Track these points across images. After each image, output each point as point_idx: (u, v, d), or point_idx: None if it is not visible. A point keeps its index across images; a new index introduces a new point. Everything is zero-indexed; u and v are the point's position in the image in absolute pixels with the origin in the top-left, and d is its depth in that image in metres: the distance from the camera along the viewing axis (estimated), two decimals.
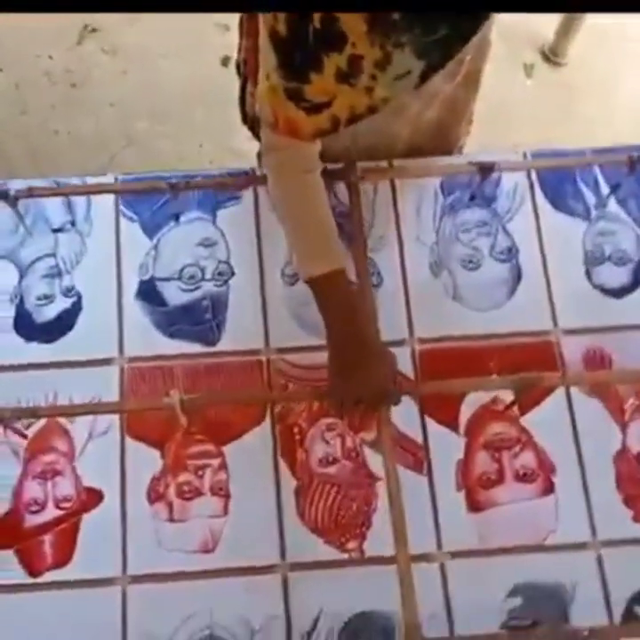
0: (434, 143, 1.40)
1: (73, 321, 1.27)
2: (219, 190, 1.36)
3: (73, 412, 1.20)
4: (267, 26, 1.01)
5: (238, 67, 1.37)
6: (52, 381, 1.22)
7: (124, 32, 2.53)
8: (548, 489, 1.20)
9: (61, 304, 1.29)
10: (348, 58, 1.02)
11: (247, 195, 1.36)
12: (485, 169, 1.27)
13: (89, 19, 2.55)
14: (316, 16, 0.96)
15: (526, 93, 2.35)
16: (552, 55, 2.48)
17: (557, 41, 2.46)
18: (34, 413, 1.17)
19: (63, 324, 1.27)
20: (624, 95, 2.35)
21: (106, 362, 1.24)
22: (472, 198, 1.38)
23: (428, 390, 1.21)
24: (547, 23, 2.47)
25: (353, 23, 0.99)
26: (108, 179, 1.36)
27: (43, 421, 1.21)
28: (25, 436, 1.21)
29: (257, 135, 1.39)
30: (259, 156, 1.49)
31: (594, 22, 2.41)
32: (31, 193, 1.25)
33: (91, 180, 1.36)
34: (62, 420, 1.21)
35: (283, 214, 1.19)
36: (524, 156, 1.40)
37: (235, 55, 1.37)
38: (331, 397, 1.14)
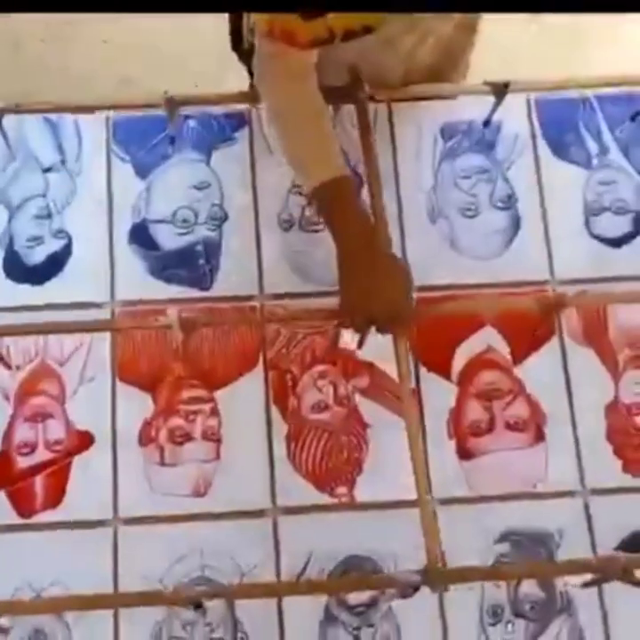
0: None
1: (63, 263, 1.26)
2: (217, 108, 1.33)
3: (64, 329, 1.18)
4: None
5: None
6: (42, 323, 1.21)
7: None
8: (539, 438, 1.20)
9: (51, 246, 1.27)
10: None
11: (242, 136, 1.34)
12: (499, 92, 1.25)
13: None
14: None
15: (530, 37, 2.30)
16: None
17: None
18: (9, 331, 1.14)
19: (53, 266, 1.25)
20: (630, 41, 2.29)
21: (97, 305, 1.23)
22: (486, 124, 1.34)
23: (441, 311, 1.19)
24: None
25: None
26: (99, 117, 1.33)
27: (33, 363, 1.20)
28: (10, 367, 1.20)
29: (249, 65, 1.35)
30: (251, 87, 1.46)
31: None
32: (18, 109, 1.22)
33: (82, 117, 1.33)
34: (53, 363, 1.21)
35: (280, 124, 1.16)
36: (527, 102, 1.37)
37: None
38: (342, 314, 1.10)
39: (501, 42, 1.28)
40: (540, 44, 2.27)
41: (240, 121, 1.34)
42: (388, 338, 1.10)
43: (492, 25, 1.30)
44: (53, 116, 1.33)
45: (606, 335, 1.24)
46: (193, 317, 1.10)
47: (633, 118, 1.36)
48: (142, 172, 1.31)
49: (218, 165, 1.32)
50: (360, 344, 1.14)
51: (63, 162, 1.31)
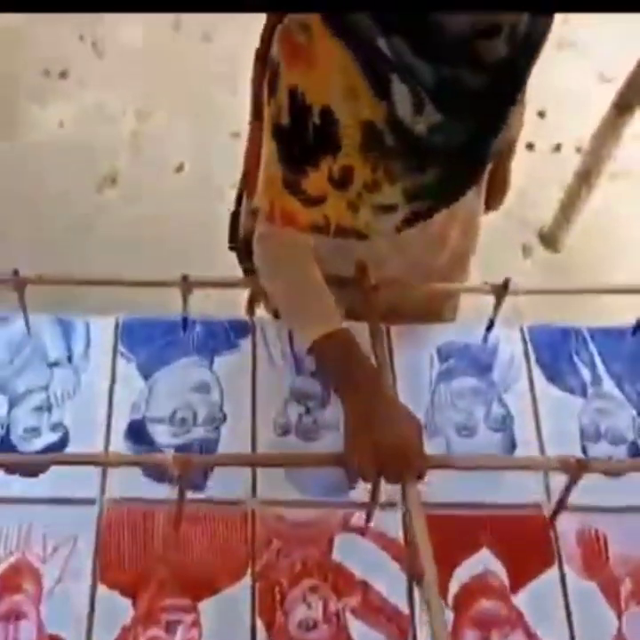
0: (423, 309, 1.43)
1: None
2: (226, 288, 1.40)
3: (62, 461, 1.17)
4: (271, 119, 1.07)
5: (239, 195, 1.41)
6: (29, 516, 1.17)
7: (142, 184, 2.67)
8: None
9: (48, 438, 1.26)
10: (340, 167, 1.07)
11: (245, 344, 1.37)
12: (499, 292, 1.32)
13: (109, 169, 2.70)
14: (317, 111, 1.02)
15: (525, 273, 2.43)
16: (550, 241, 2.59)
17: (556, 226, 2.58)
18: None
19: None
20: (621, 279, 2.43)
21: (86, 501, 1.20)
22: (489, 328, 1.39)
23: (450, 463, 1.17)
24: (545, 208, 2.60)
25: (350, 130, 1.05)
26: (109, 319, 1.38)
27: (13, 558, 1.15)
28: None
29: (241, 259, 1.43)
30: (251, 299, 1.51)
31: (589, 215, 2.54)
32: (41, 280, 1.29)
33: (93, 319, 1.38)
34: (34, 560, 1.15)
35: (280, 296, 1.20)
36: (521, 330, 1.42)
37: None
38: (347, 459, 1.06)
39: (496, 273, 1.36)
40: (533, 278, 2.40)
41: (244, 329, 1.39)
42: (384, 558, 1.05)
43: (487, 257, 1.39)
44: (65, 316, 1.38)
45: (607, 565, 1.20)
46: (188, 458, 1.07)
47: (634, 332, 1.42)
48: (146, 372, 1.34)
49: (220, 370, 1.35)
50: (369, 517, 1.08)
51: (70, 358, 1.34)
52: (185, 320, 1.37)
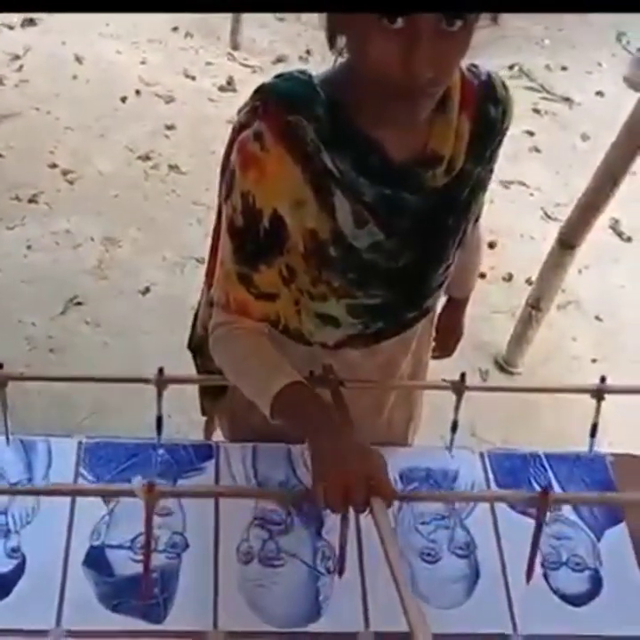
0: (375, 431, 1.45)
1: (13, 585, 1.20)
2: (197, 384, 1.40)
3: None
4: (227, 219, 1.13)
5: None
6: None
7: (108, 306, 2.70)
8: None
9: (3, 566, 1.22)
10: (286, 265, 1.13)
11: (209, 467, 1.37)
12: (459, 389, 1.37)
13: (75, 291, 2.73)
14: (267, 215, 1.09)
15: (482, 396, 2.47)
16: (505, 364, 2.66)
17: (510, 351, 2.65)
18: None
19: (3, 586, 1.19)
20: (576, 403, 2.48)
21: (41, 633, 1.15)
22: (454, 428, 1.40)
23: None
24: (500, 333, 2.68)
25: (295, 240, 1.11)
26: (72, 442, 1.37)
27: None
28: None
29: (196, 360, 1.47)
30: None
31: (544, 336, 2.63)
32: (22, 377, 1.31)
33: (54, 440, 1.37)
34: None
35: (237, 370, 1.21)
36: (481, 455, 1.44)
37: None
38: (313, 488, 1.03)
39: (453, 397, 1.40)
40: (490, 403, 2.44)
41: (207, 452, 1.39)
42: None
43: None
44: (27, 438, 1.37)
45: None
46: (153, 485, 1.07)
47: (592, 434, 1.44)
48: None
49: (183, 499, 1.33)
50: (342, 551, 1.07)
51: (30, 480, 1.31)
52: (159, 419, 1.36)
